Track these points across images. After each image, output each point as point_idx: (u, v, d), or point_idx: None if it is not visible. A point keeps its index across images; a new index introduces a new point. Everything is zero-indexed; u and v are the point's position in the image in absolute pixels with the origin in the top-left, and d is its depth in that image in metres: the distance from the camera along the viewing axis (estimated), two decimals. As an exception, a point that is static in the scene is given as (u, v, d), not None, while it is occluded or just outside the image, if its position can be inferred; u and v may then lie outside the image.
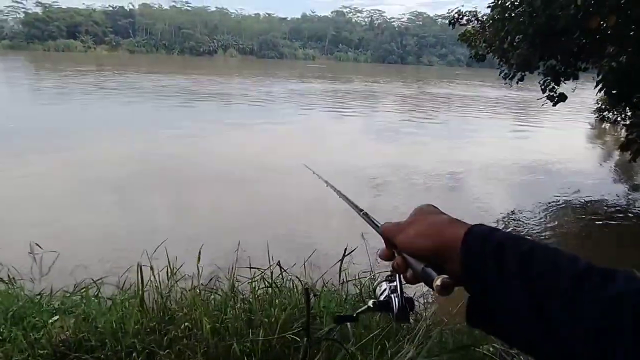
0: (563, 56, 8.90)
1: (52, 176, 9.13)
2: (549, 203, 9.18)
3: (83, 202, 7.51)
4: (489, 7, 9.42)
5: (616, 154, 14.49)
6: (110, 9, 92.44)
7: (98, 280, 3.10)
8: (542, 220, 8.27)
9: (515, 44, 8.60)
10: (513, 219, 8.34)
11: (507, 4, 8.44)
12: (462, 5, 10.38)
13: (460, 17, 10.49)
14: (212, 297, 2.89)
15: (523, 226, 7.96)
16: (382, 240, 0.68)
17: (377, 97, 31.38)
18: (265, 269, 2.93)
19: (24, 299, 2.90)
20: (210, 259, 3.12)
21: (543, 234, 7.68)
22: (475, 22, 10.44)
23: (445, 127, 19.37)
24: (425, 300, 3.01)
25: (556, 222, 8.34)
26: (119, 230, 6.28)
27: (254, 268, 2.94)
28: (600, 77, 9.25)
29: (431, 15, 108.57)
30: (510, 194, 9.97)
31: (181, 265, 2.94)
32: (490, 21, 9.42)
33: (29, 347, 2.18)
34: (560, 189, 10.09)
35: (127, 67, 47.31)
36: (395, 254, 0.66)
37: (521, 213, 8.62)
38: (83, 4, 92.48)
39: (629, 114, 14.55)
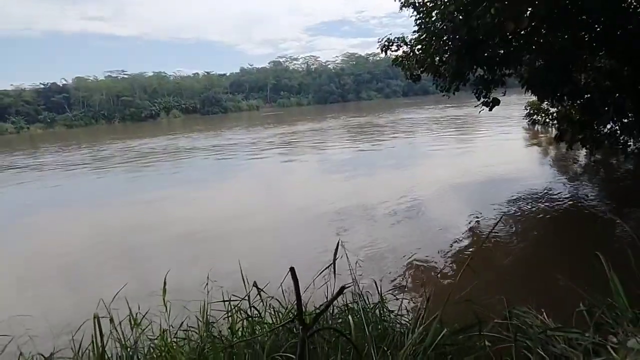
0: (488, 66, 9.66)
1: None
2: (506, 202, 9.57)
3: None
4: (414, 32, 10.15)
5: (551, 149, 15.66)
6: (42, 86, 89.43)
7: (55, 353, 2.64)
8: (502, 221, 8.55)
9: (444, 59, 9.26)
10: (476, 221, 8.56)
11: (429, 26, 9.14)
12: (390, 33, 11.09)
13: (390, 44, 11.16)
14: (185, 343, 2.58)
15: (488, 228, 8.15)
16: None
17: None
18: (241, 299, 2.67)
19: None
20: (178, 297, 2.81)
21: (507, 233, 7.90)
22: (405, 46, 11.16)
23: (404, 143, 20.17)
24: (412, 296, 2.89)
25: (515, 219, 8.66)
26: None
27: (227, 301, 2.67)
28: (523, 80, 10.12)
29: (362, 54, 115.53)
30: (470, 200, 10.31)
31: (147, 312, 2.61)
32: (418, 44, 10.12)
33: None
34: (513, 188, 10.60)
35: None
36: None
37: (481, 214, 8.88)
38: (11, 85, 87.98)
39: (553, 112, 15.96)
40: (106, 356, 2.31)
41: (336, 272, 2.45)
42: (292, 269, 1.14)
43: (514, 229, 7.97)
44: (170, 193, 14.34)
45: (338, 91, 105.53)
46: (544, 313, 2.27)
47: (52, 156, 30.29)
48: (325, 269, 2.35)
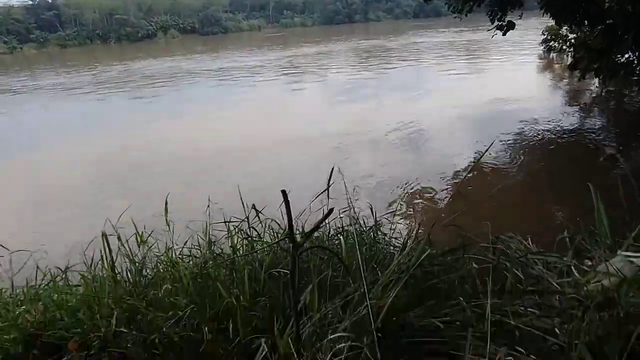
0: (507, -16, 8.93)
1: None
2: (512, 132, 9.48)
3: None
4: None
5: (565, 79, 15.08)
6: (30, 2, 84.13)
7: (71, 266, 2.84)
8: (507, 147, 8.54)
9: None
10: (479, 150, 8.56)
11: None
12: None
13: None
14: (189, 259, 2.75)
15: (496, 155, 8.17)
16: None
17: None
18: (241, 220, 2.80)
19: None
20: (181, 219, 2.95)
21: (512, 160, 7.94)
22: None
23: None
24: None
25: (519, 150, 8.64)
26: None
27: (228, 222, 2.80)
28: (543, 2, 9.39)
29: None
30: (476, 130, 10.22)
31: (152, 232, 2.76)
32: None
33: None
34: (521, 118, 10.41)
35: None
36: None
37: (485, 144, 8.85)
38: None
39: (571, 39, 15.07)
40: (116, 270, 2.50)
41: (335, 198, 2.52)
42: (283, 192, 1.19)
43: (517, 159, 7.99)
44: (178, 118, 14.25)
45: (345, 11, 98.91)
46: (529, 239, 2.38)
47: (52, 79, 29.60)
48: (321, 193, 2.42)
